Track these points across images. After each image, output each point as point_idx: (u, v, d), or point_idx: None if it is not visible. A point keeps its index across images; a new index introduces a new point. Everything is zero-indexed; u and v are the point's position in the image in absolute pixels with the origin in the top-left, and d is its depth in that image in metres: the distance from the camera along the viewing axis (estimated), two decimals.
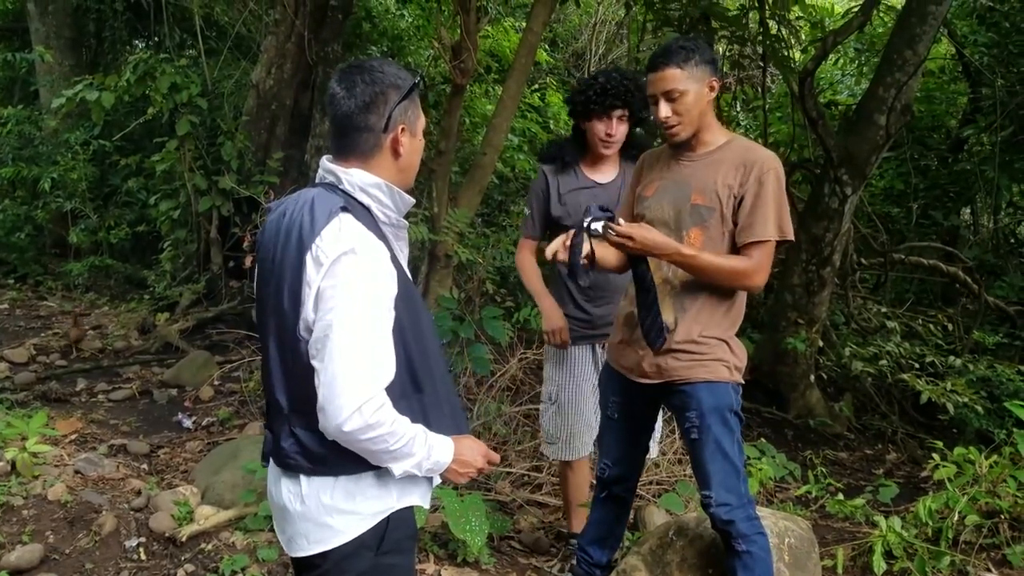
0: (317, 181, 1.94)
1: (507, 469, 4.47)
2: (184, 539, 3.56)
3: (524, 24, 5.90)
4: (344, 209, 1.80)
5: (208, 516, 3.74)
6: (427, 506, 2.01)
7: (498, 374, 5.03)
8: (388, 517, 1.89)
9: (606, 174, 3.52)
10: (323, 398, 1.71)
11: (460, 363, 4.42)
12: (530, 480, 4.47)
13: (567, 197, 3.50)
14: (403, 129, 1.88)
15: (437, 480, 2.01)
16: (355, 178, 1.86)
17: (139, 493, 3.94)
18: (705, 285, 2.67)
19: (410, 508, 1.95)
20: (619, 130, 3.39)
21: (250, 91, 7.75)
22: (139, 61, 7.02)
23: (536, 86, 10.17)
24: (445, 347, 4.64)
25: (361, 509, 1.86)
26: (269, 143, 7.69)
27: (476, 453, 1.97)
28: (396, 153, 1.89)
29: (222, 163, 7.27)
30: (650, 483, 4.36)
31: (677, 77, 2.61)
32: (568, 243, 2.57)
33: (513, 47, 8.73)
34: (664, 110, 2.64)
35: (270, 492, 2.02)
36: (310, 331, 1.76)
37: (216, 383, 5.80)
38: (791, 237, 2.65)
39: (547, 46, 11.03)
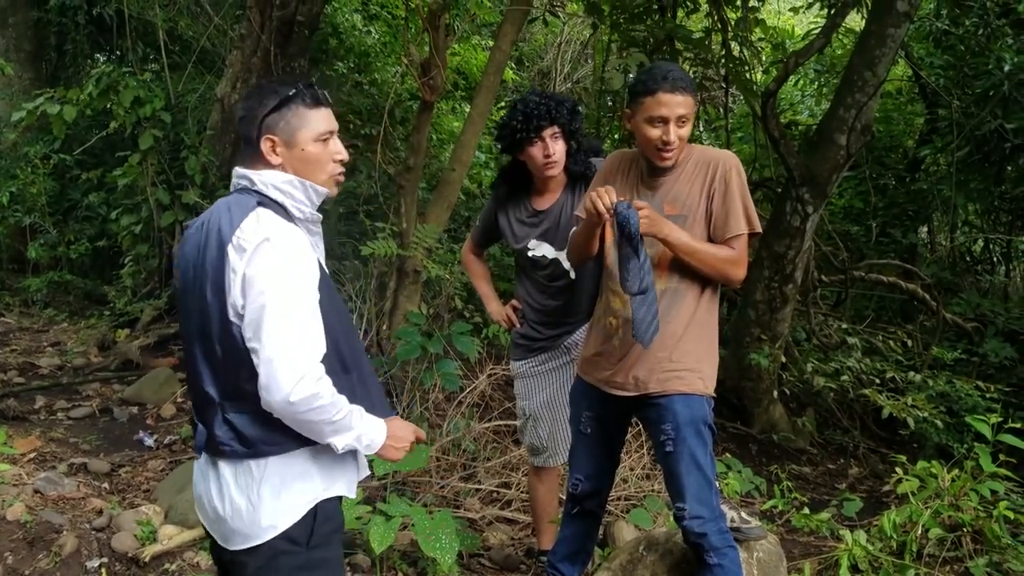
0: (232, 189, 2.01)
1: (476, 486, 4.46)
2: (147, 559, 3.50)
3: (491, 42, 5.93)
4: (261, 204, 1.88)
5: (172, 535, 3.68)
6: (352, 496, 2.06)
7: (467, 390, 5.02)
8: (315, 509, 1.93)
9: (547, 200, 3.44)
10: (265, 375, 1.77)
11: (429, 379, 4.40)
12: (499, 497, 4.45)
13: (516, 228, 3.50)
14: (274, 139, 1.93)
15: (365, 471, 2.08)
16: (267, 177, 1.93)
17: (100, 513, 3.86)
18: (683, 301, 2.71)
19: (337, 500, 2.01)
20: (556, 148, 3.29)
21: (214, 105, 7.68)
22: (102, 74, 6.93)
23: (503, 104, 10.18)
24: (414, 363, 4.64)
25: (287, 502, 1.90)
26: (233, 158, 7.62)
27: (407, 430, 2.07)
28: (267, 163, 1.95)
29: (185, 177, 7.19)
30: (618, 498, 4.36)
31: (691, 105, 2.65)
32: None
33: (481, 65, 8.78)
34: (674, 133, 2.62)
35: (198, 493, 2.06)
36: (240, 316, 1.82)
37: (178, 400, 5.70)
38: (759, 229, 2.76)
39: (514, 64, 11.10)
